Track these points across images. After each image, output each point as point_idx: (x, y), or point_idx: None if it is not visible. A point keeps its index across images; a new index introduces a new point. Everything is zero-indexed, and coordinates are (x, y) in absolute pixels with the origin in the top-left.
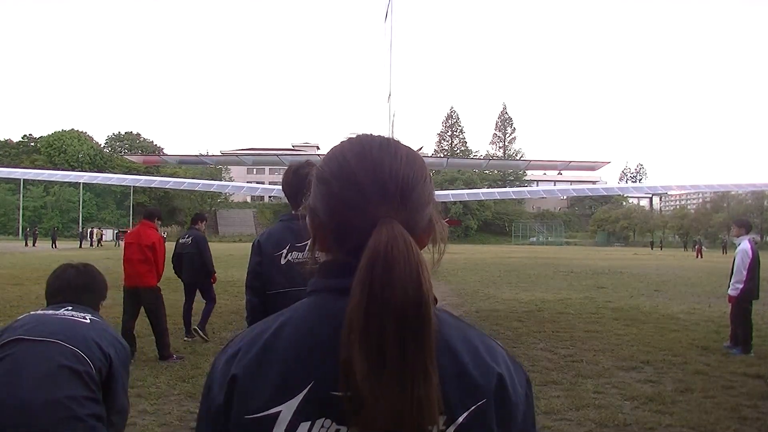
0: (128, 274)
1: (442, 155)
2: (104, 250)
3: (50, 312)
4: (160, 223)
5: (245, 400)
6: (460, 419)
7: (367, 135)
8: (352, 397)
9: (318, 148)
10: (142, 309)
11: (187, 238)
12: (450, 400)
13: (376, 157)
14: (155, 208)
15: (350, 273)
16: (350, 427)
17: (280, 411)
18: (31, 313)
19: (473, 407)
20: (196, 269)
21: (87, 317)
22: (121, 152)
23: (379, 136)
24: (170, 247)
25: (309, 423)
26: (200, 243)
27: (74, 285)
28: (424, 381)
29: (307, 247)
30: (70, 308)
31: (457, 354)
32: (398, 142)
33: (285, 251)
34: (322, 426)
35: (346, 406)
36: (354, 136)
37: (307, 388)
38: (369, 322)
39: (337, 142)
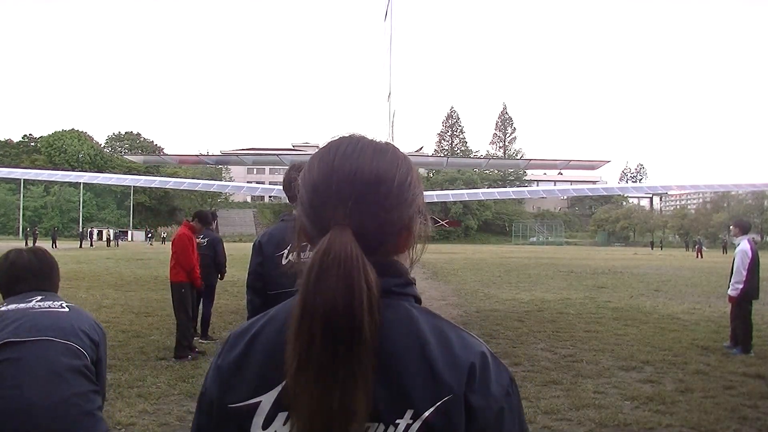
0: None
1: (442, 155)
2: (108, 250)
3: (23, 306)
4: (196, 222)
5: (228, 390)
6: (426, 414)
7: (340, 138)
8: (286, 391)
9: (318, 147)
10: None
11: (203, 239)
12: (416, 395)
13: (337, 161)
14: (199, 210)
15: None
16: (291, 417)
17: (260, 401)
18: (1, 309)
19: (439, 402)
20: (208, 271)
21: (63, 305)
22: (121, 152)
23: (351, 136)
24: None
25: (286, 413)
26: (217, 245)
27: (36, 271)
28: (352, 388)
29: (308, 248)
30: (40, 298)
31: (427, 349)
32: (368, 141)
33: (286, 251)
34: None
35: (286, 399)
36: (333, 138)
37: (284, 381)
38: (300, 325)
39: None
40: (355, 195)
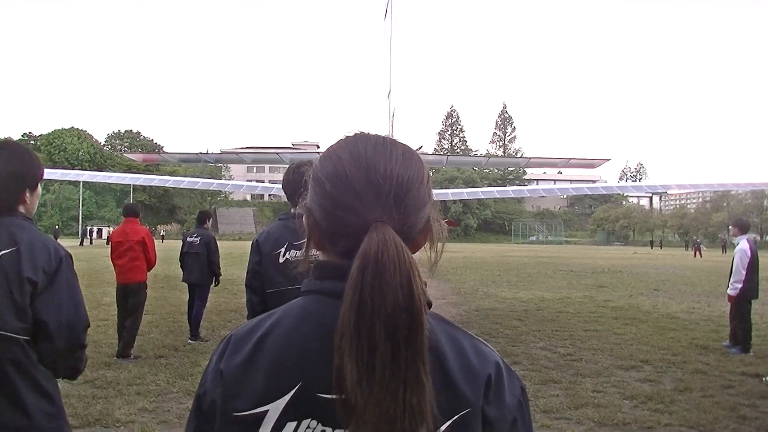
0: (119, 271)
1: (441, 154)
2: (107, 248)
3: None
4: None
5: (233, 397)
6: (443, 428)
7: (362, 134)
8: (344, 402)
9: (318, 146)
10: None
11: (196, 237)
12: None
13: (370, 157)
14: (136, 204)
15: (343, 277)
16: (343, 430)
17: (267, 410)
18: None
19: (456, 416)
20: (201, 270)
21: None
22: (120, 150)
23: (376, 135)
24: (174, 244)
25: (295, 423)
26: (210, 244)
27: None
28: (417, 388)
29: (310, 245)
30: None
31: (444, 360)
32: (394, 140)
33: (283, 250)
34: (308, 427)
35: (338, 410)
36: (350, 134)
37: (294, 390)
38: (360, 328)
39: (334, 141)
40: (394, 193)
